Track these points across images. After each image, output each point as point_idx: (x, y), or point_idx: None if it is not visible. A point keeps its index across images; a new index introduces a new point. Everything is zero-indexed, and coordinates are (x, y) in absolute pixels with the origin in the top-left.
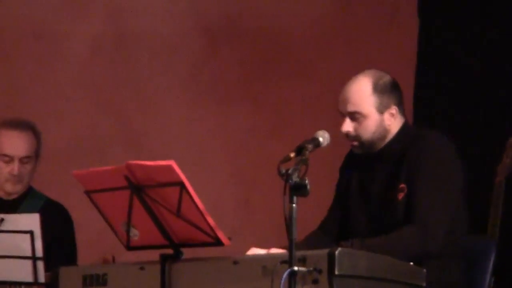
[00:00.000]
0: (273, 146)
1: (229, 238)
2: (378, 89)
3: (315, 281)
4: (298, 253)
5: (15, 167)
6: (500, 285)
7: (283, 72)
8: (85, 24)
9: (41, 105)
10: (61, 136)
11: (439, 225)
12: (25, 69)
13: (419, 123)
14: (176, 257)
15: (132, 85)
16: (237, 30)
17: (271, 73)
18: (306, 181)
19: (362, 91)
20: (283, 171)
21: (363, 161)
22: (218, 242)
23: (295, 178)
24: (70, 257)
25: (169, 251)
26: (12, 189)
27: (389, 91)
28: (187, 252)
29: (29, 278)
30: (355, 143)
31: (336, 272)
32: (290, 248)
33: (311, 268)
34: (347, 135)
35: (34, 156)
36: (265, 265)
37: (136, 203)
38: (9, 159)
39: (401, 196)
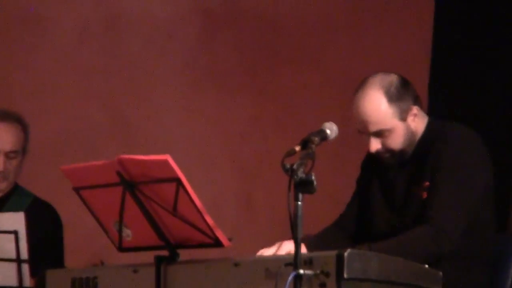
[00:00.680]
0: (277, 138)
1: (230, 239)
2: (393, 98)
3: (322, 285)
4: (304, 255)
5: (0, 162)
6: None
7: (287, 58)
8: (74, 7)
9: (26, 95)
10: (48, 128)
11: (454, 225)
12: (9, 56)
13: (435, 113)
14: (172, 259)
15: (125, 73)
16: (238, 13)
17: (274, 59)
18: (313, 177)
19: (379, 108)
20: (288, 166)
21: None
22: (217, 243)
23: (300, 174)
24: (58, 260)
25: (165, 252)
26: None
27: (403, 94)
28: (183, 254)
29: (13, 282)
30: (387, 155)
31: (345, 276)
32: (295, 250)
33: (318, 271)
34: (376, 152)
35: (21, 151)
36: (268, 268)
37: (129, 200)
38: None
39: (425, 194)
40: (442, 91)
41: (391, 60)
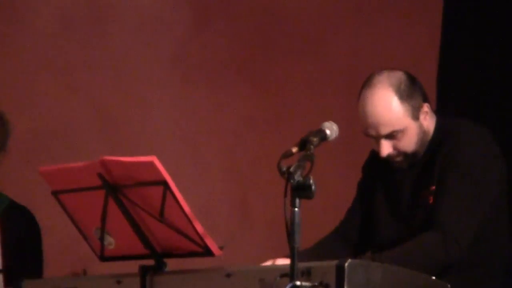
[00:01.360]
0: (274, 138)
1: (221, 247)
2: (404, 96)
3: None
4: (302, 265)
5: None
6: None
7: (286, 51)
8: None
9: (2, 90)
10: (25, 126)
11: (463, 231)
12: None
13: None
14: (158, 269)
15: (109, 66)
16: (232, 1)
17: (272, 52)
18: (311, 181)
19: (391, 107)
20: (284, 168)
21: None
22: (207, 252)
23: (297, 177)
24: (36, 269)
25: (151, 262)
26: None
27: (413, 90)
28: (171, 263)
29: None
30: (399, 159)
31: (346, 287)
32: (292, 259)
33: (317, 283)
34: (388, 156)
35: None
36: (263, 278)
37: (112, 205)
38: None
39: (432, 199)
40: (451, 85)
41: (398, 54)
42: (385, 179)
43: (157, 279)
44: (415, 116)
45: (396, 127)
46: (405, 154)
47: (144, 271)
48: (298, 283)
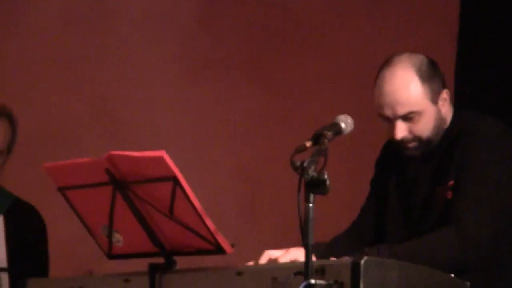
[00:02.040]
0: (284, 135)
1: (232, 245)
2: (424, 77)
3: None
4: (316, 263)
5: None
6: None
7: (296, 45)
8: None
9: (4, 86)
10: (29, 123)
11: (483, 229)
12: None
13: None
14: (168, 267)
15: (113, 63)
16: None
17: (282, 46)
18: (325, 176)
19: (411, 86)
20: (298, 163)
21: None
22: (218, 249)
23: (311, 172)
24: (42, 268)
25: (160, 260)
26: None
27: (434, 73)
28: (180, 261)
29: None
30: (413, 144)
31: (362, 286)
32: (306, 257)
33: (331, 281)
34: (402, 140)
35: (6, 150)
36: (275, 277)
37: (120, 202)
38: None
39: (450, 194)
40: (469, 80)
41: (413, 47)
42: (399, 175)
43: (166, 277)
44: (434, 100)
45: (414, 108)
46: (419, 139)
47: (153, 269)
48: (312, 281)
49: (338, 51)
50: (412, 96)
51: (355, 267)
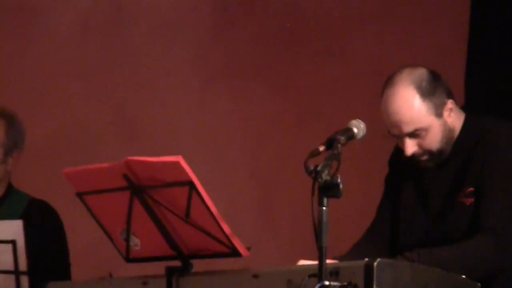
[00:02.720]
0: (299, 138)
1: (248, 248)
2: (425, 93)
3: None
4: (330, 265)
5: None
6: None
7: (309, 51)
8: None
9: (21, 91)
10: (46, 128)
11: None
12: (2, 48)
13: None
14: (184, 270)
15: (130, 67)
16: (256, 1)
17: (296, 51)
18: (339, 180)
19: (412, 105)
20: (311, 167)
21: None
22: (234, 252)
23: (325, 176)
24: (61, 267)
25: (177, 263)
26: None
27: (435, 87)
28: (197, 264)
29: None
30: (425, 157)
31: (375, 287)
32: (320, 259)
33: (345, 283)
34: (413, 155)
35: (4, 149)
36: (290, 279)
37: (137, 206)
38: None
39: (469, 201)
40: (479, 84)
41: (425, 52)
42: (413, 175)
43: (183, 280)
44: (438, 114)
45: (419, 125)
46: (430, 153)
47: (170, 273)
48: (326, 283)
49: (352, 56)
50: (415, 114)
51: (368, 269)
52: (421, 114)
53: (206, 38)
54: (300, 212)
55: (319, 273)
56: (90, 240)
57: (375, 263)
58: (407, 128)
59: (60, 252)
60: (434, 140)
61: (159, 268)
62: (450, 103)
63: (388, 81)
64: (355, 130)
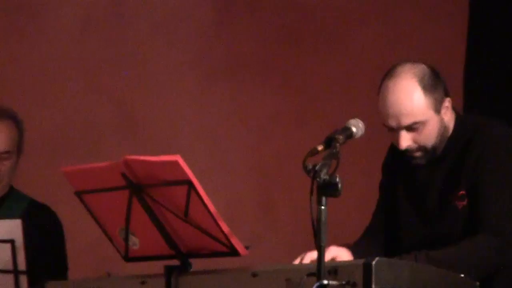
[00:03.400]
0: (300, 136)
1: (247, 247)
2: (427, 87)
3: None
4: (328, 264)
5: None
6: None
7: (310, 46)
8: None
9: (22, 89)
10: (46, 126)
11: None
12: (2, 46)
13: (471, 107)
14: (183, 269)
15: (131, 64)
16: None
17: (296, 48)
18: (337, 179)
19: (415, 97)
20: (310, 167)
21: None
22: (233, 251)
23: (323, 175)
24: (59, 269)
25: (175, 262)
26: None
27: (436, 83)
28: (196, 263)
29: None
30: (418, 154)
31: (373, 286)
32: (318, 258)
33: (344, 282)
34: (406, 149)
35: (15, 150)
36: (289, 278)
37: (136, 205)
38: None
39: (461, 205)
40: (478, 84)
41: (424, 50)
42: (406, 178)
43: (182, 279)
44: (437, 110)
45: (418, 119)
46: (424, 149)
47: (169, 271)
48: (325, 281)
49: (353, 53)
50: (416, 107)
51: (367, 267)
52: (421, 107)
53: (207, 36)
54: (300, 210)
55: (318, 272)
56: (89, 240)
57: (374, 262)
58: (406, 120)
59: (58, 254)
60: (430, 135)
61: (158, 267)
62: (447, 101)
63: (388, 73)
64: (353, 129)
